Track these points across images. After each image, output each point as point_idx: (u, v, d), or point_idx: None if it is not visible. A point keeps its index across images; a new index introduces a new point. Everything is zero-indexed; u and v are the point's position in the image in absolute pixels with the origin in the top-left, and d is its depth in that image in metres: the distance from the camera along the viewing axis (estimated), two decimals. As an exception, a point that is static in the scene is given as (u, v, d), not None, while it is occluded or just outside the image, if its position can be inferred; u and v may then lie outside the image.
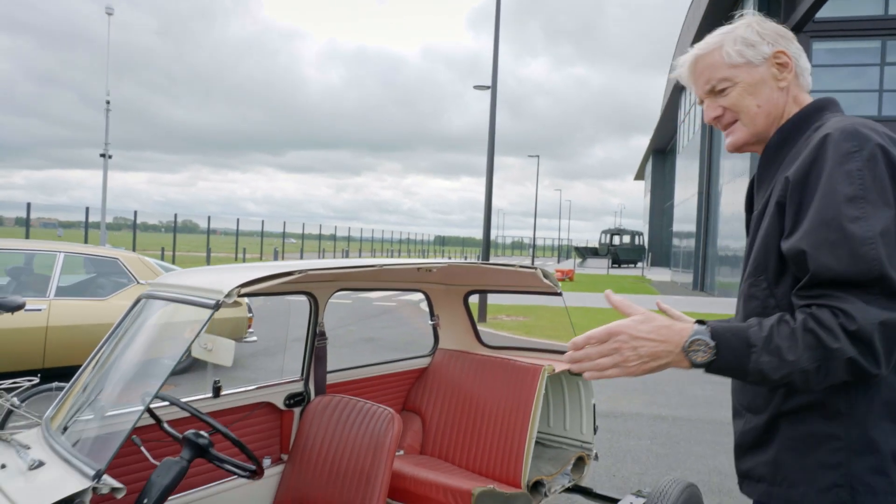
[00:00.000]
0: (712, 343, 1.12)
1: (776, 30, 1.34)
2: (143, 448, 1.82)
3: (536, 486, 2.89)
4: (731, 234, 18.15)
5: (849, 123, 1.17)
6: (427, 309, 3.45)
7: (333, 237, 47.65)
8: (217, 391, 2.35)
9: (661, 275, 34.68)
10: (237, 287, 1.62)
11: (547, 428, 3.43)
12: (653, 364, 1.16)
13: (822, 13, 13.96)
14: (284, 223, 37.84)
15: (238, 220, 34.12)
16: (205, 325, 1.57)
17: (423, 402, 3.22)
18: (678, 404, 6.07)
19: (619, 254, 44.33)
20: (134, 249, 22.71)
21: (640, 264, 44.64)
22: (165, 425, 1.88)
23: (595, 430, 3.34)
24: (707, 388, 6.79)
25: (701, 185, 22.56)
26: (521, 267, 2.85)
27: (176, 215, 30.65)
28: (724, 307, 15.45)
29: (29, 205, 23.28)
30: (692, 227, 24.07)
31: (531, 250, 45.57)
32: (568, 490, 3.12)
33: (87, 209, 26.52)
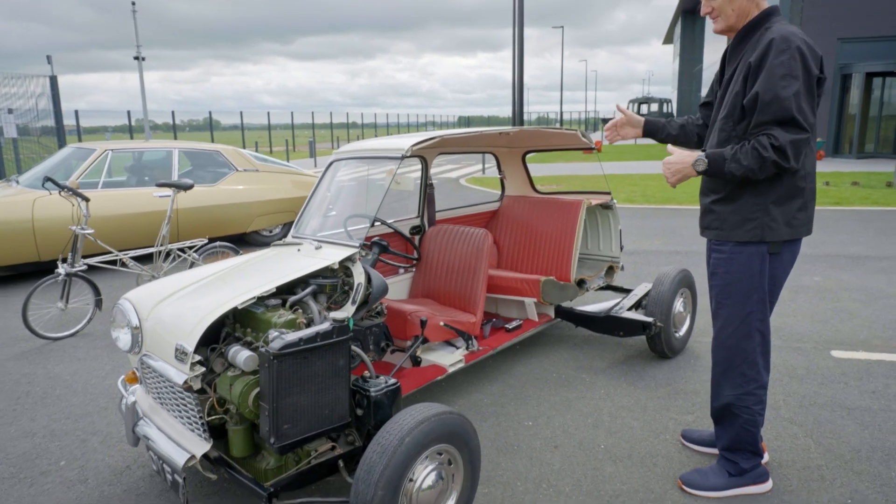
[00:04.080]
0: (707, 160, 2.11)
1: None
2: None
3: (580, 283, 4.19)
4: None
5: (785, 32, 2.03)
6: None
7: (360, 125, 48.26)
8: (373, 223, 3.62)
9: (688, 141, 34.73)
10: (411, 146, 2.79)
11: (586, 249, 4.71)
12: (678, 175, 2.17)
13: None
14: (313, 114, 38.58)
15: (269, 113, 35.13)
16: (397, 168, 2.78)
17: (497, 232, 4.48)
18: (690, 242, 7.32)
19: (647, 123, 43.82)
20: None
21: (668, 132, 44.17)
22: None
23: (622, 248, 4.59)
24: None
25: (728, 46, 22.35)
26: (564, 129, 3.97)
27: (210, 113, 31.69)
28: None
29: (77, 112, 24.63)
30: (719, 91, 24.02)
31: (558, 125, 45.37)
32: (602, 288, 4.43)
33: (129, 112, 27.73)
